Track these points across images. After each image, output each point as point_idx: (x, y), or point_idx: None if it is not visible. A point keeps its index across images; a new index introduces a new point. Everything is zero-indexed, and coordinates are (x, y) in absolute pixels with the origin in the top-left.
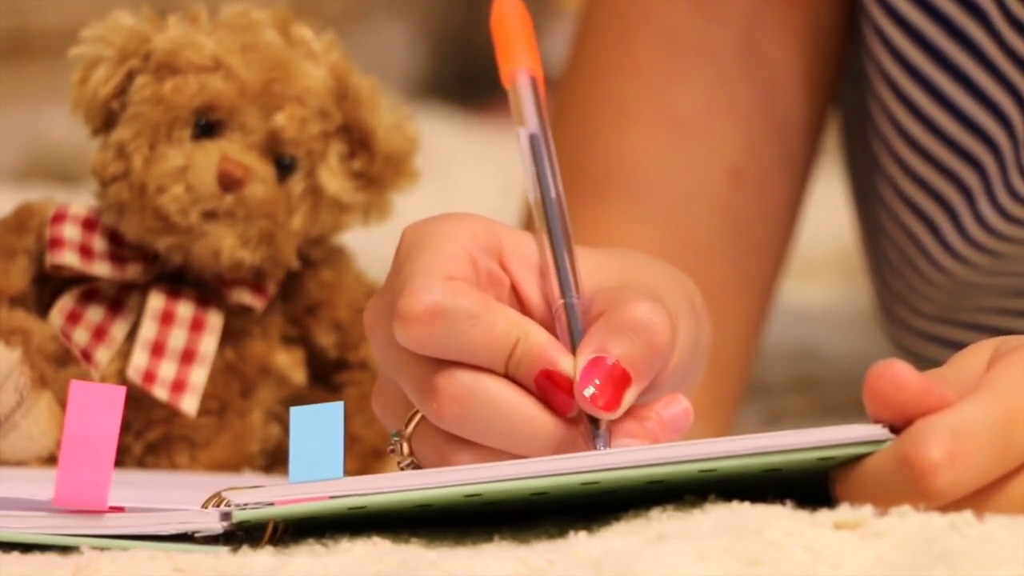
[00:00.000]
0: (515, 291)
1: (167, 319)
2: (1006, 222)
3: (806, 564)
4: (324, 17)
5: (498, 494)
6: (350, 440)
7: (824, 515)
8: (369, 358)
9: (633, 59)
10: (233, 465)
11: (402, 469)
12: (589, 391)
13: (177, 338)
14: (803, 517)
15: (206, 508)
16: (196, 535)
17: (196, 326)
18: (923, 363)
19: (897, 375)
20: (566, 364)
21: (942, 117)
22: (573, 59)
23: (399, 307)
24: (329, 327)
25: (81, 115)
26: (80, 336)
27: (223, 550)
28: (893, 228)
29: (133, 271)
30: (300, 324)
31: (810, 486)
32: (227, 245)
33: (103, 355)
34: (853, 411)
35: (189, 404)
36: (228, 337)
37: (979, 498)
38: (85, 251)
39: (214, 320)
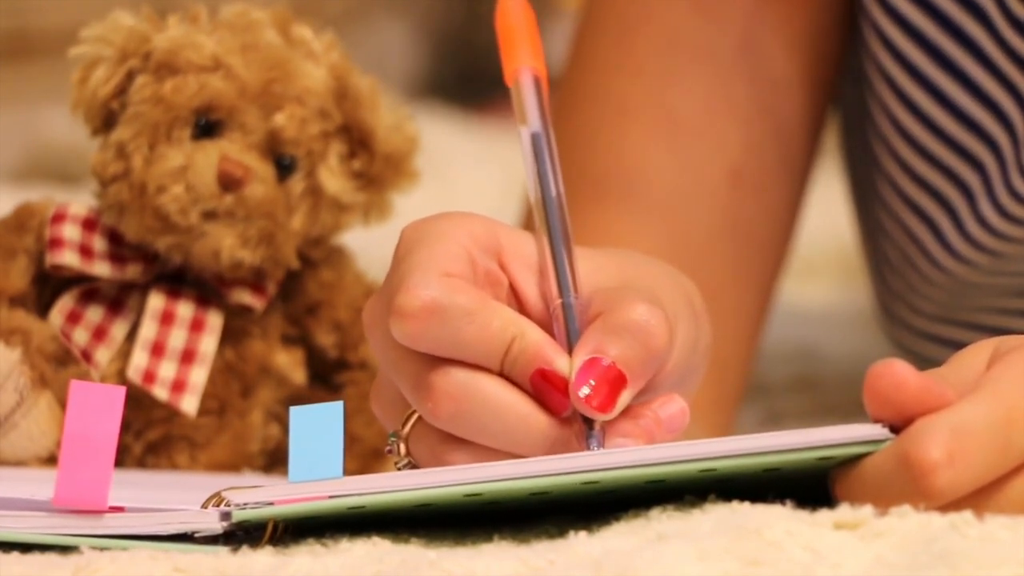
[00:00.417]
0: (513, 291)
1: (167, 319)
2: (1006, 222)
3: (806, 564)
4: (324, 17)
5: (498, 494)
6: (350, 440)
7: (824, 515)
8: (369, 358)
9: (633, 59)
10: (233, 465)
11: (399, 469)
12: (584, 391)
13: (177, 338)
14: (803, 517)
15: (206, 508)
16: (196, 535)
17: (196, 326)
18: (923, 363)
19: (897, 374)
20: (562, 364)
21: (942, 117)
22: (573, 59)
23: (395, 303)
24: (329, 327)
25: (81, 115)
26: (80, 336)
27: (223, 550)
28: (893, 228)
29: (133, 271)
30: (300, 324)
31: (810, 486)
32: (227, 245)
33: (103, 355)
34: (853, 411)
35: (189, 404)
36: (228, 337)
37: (979, 498)
38: (85, 251)
39: (214, 320)
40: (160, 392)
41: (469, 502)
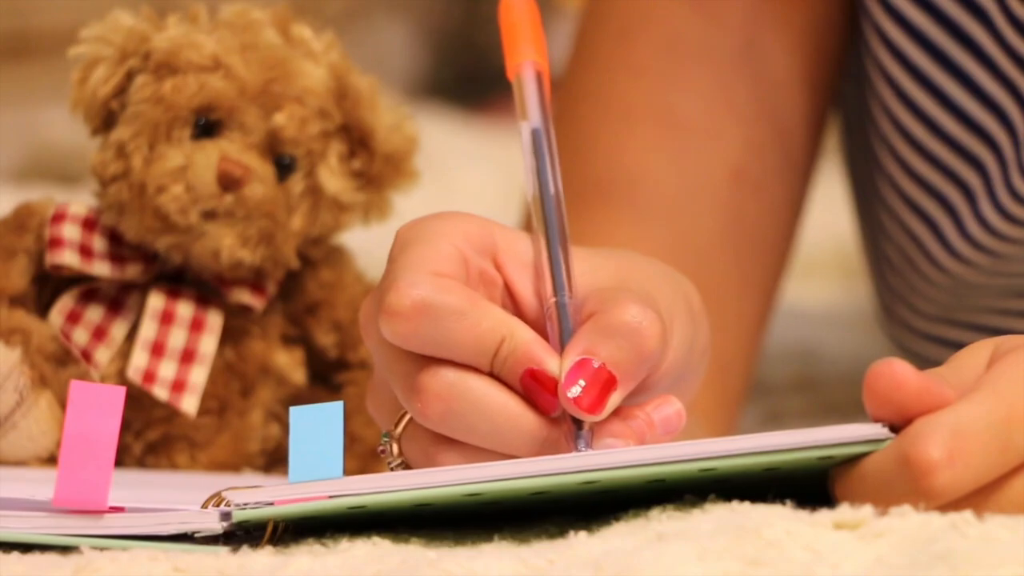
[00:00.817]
0: (509, 290)
1: (167, 319)
2: (1007, 222)
3: (806, 564)
4: (324, 17)
5: (498, 493)
6: (350, 439)
7: (824, 515)
8: (369, 358)
9: (634, 61)
10: (233, 465)
11: (392, 470)
12: (574, 392)
13: (177, 338)
14: (803, 517)
15: (206, 508)
16: (196, 535)
17: (196, 326)
18: (923, 363)
19: (897, 374)
20: (552, 364)
21: (943, 117)
22: (574, 60)
23: (386, 302)
24: (329, 327)
25: (81, 115)
26: (80, 336)
27: (223, 550)
28: (894, 228)
29: (133, 271)
30: (300, 324)
31: (810, 486)
32: (227, 245)
33: (103, 355)
34: (853, 411)
35: (189, 404)
36: (228, 337)
37: (979, 498)
38: (85, 251)
39: (214, 320)
40: (160, 392)
41: (469, 502)
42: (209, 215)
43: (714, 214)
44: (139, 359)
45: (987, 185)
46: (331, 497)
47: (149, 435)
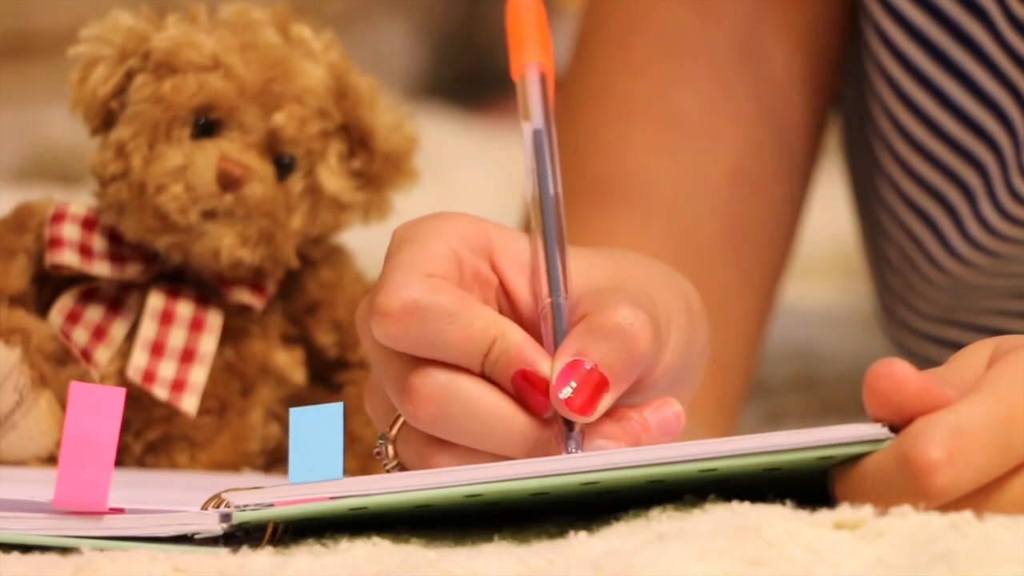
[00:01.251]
0: (505, 291)
1: (167, 318)
2: (1007, 222)
3: (806, 564)
4: (324, 16)
5: (498, 494)
6: (350, 439)
7: (824, 515)
8: (368, 358)
9: (634, 61)
10: (233, 464)
11: (387, 472)
12: (565, 393)
13: (177, 337)
14: (803, 517)
15: (206, 509)
16: (196, 536)
17: (196, 325)
18: (923, 364)
19: (897, 374)
20: (543, 365)
21: (943, 117)
22: (575, 60)
23: (376, 303)
24: (329, 326)
25: (80, 114)
26: (80, 336)
27: (223, 551)
28: (894, 228)
29: (133, 271)
30: (300, 323)
31: (810, 486)
32: (226, 244)
33: (103, 355)
34: (853, 411)
35: (189, 403)
36: (228, 336)
37: (979, 497)
38: (84, 250)
39: (214, 319)
40: (160, 392)
41: (469, 503)
42: (209, 215)
43: (714, 214)
44: (139, 359)
45: (987, 185)
46: (331, 499)
47: (149, 435)
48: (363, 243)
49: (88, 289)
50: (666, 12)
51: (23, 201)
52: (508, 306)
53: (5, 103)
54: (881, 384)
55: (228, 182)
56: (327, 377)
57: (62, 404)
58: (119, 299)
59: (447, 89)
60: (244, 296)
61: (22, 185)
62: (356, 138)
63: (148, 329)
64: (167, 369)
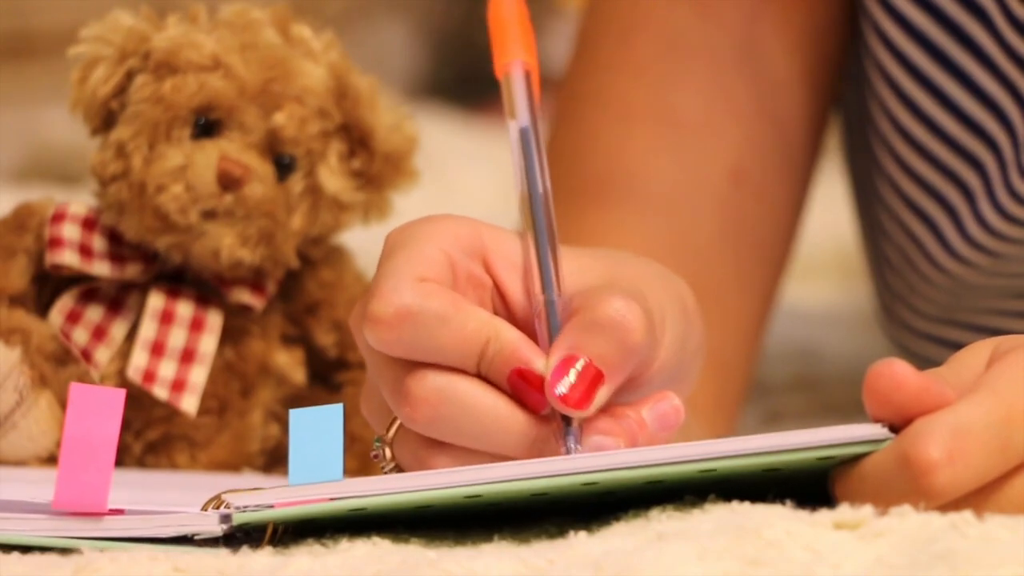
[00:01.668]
0: (499, 292)
1: (167, 319)
2: (1006, 222)
3: (806, 564)
4: (324, 16)
5: (498, 495)
6: (350, 440)
7: (824, 515)
8: None
9: (634, 61)
10: (233, 465)
11: (385, 474)
12: (561, 389)
13: (177, 337)
14: (803, 517)
15: (206, 510)
16: (195, 537)
17: (196, 325)
18: (924, 364)
19: (896, 374)
20: (539, 362)
21: (943, 117)
22: (574, 61)
23: (369, 310)
24: (329, 326)
25: (80, 114)
26: (80, 336)
27: (223, 551)
28: (894, 228)
29: (133, 271)
30: (300, 323)
31: (810, 486)
32: (226, 244)
33: (103, 355)
34: (853, 411)
35: (189, 403)
36: (228, 336)
37: (979, 497)
38: (85, 250)
39: (214, 319)
40: (160, 392)
41: (469, 503)
42: (209, 215)
43: (714, 214)
44: (139, 359)
45: (986, 185)
46: (332, 500)
47: (149, 435)
48: (363, 243)
49: (88, 289)
50: (666, 12)
51: (23, 201)
52: (503, 307)
53: (5, 103)
54: (881, 384)
55: (228, 182)
56: (327, 377)
57: (62, 404)
58: (119, 299)
59: (447, 89)
60: (244, 296)
61: (22, 185)
62: (356, 138)
63: (148, 329)
64: (167, 369)
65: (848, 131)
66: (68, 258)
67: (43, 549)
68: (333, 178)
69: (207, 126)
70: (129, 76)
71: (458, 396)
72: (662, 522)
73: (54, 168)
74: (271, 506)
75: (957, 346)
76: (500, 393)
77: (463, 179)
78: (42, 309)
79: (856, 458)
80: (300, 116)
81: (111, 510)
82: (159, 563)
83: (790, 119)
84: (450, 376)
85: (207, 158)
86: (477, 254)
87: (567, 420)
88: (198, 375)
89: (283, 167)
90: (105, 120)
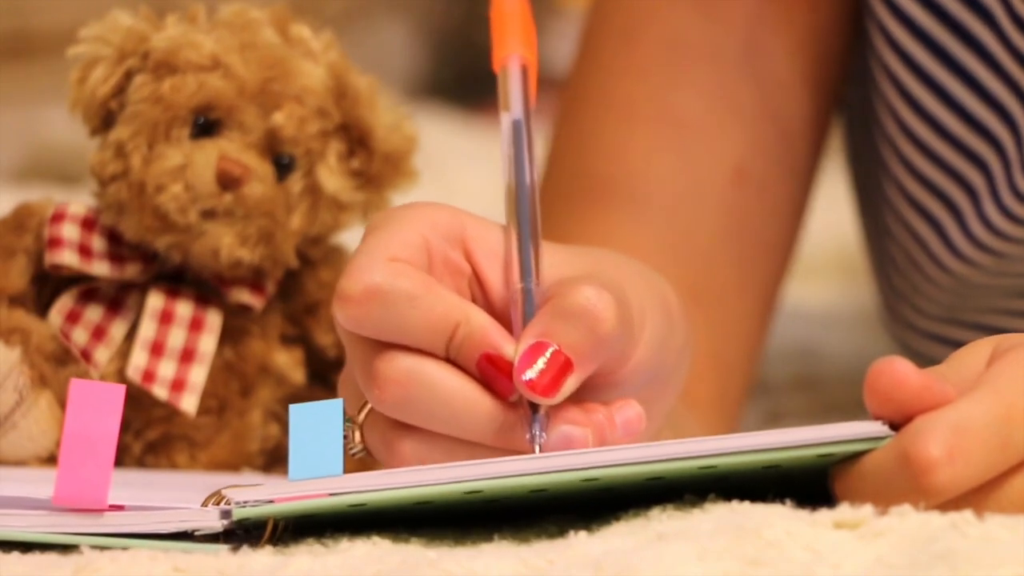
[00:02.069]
0: (478, 280)
1: (166, 318)
2: (1010, 222)
3: (806, 564)
4: (323, 16)
5: (498, 491)
6: None
7: (824, 515)
8: None
9: (636, 62)
10: (233, 464)
11: (354, 456)
12: (529, 376)
13: (176, 337)
14: (803, 517)
15: (206, 506)
16: (195, 534)
17: (195, 325)
18: (927, 363)
19: (897, 372)
20: (508, 348)
21: (947, 117)
22: (577, 61)
23: (339, 287)
24: (328, 326)
25: (80, 114)
26: (79, 335)
27: (223, 549)
28: (898, 228)
29: (132, 270)
30: (299, 323)
31: (810, 484)
32: (226, 244)
33: (102, 354)
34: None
35: (189, 403)
36: (227, 336)
37: (979, 496)
38: (84, 250)
39: (213, 319)
40: (160, 391)
41: (469, 499)
42: (208, 214)
43: (716, 214)
44: (138, 358)
45: (990, 185)
46: (331, 495)
47: (149, 434)
48: None
49: (88, 289)
50: (669, 13)
51: (23, 201)
52: (481, 295)
53: (5, 103)
54: (882, 382)
55: (227, 182)
56: (327, 377)
57: (62, 404)
58: (119, 299)
59: (447, 89)
60: (244, 296)
61: (22, 185)
62: (355, 138)
63: (148, 329)
64: (167, 369)
65: (852, 131)
66: (68, 258)
67: (43, 548)
68: (332, 178)
69: (206, 126)
70: (128, 76)
71: (427, 378)
72: (662, 522)
73: (54, 168)
74: (271, 501)
75: (961, 345)
76: (469, 378)
77: (463, 179)
78: (42, 309)
79: (856, 456)
80: (299, 116)
81: (111, 506)
82: (159, 563)
83: (792, 119)
84: (419, 358)
85: (206, 158)
86: (457, 241)
87: (534, 407)
88: (198, 375)
89: (282, 167)
90: (104, 120)
